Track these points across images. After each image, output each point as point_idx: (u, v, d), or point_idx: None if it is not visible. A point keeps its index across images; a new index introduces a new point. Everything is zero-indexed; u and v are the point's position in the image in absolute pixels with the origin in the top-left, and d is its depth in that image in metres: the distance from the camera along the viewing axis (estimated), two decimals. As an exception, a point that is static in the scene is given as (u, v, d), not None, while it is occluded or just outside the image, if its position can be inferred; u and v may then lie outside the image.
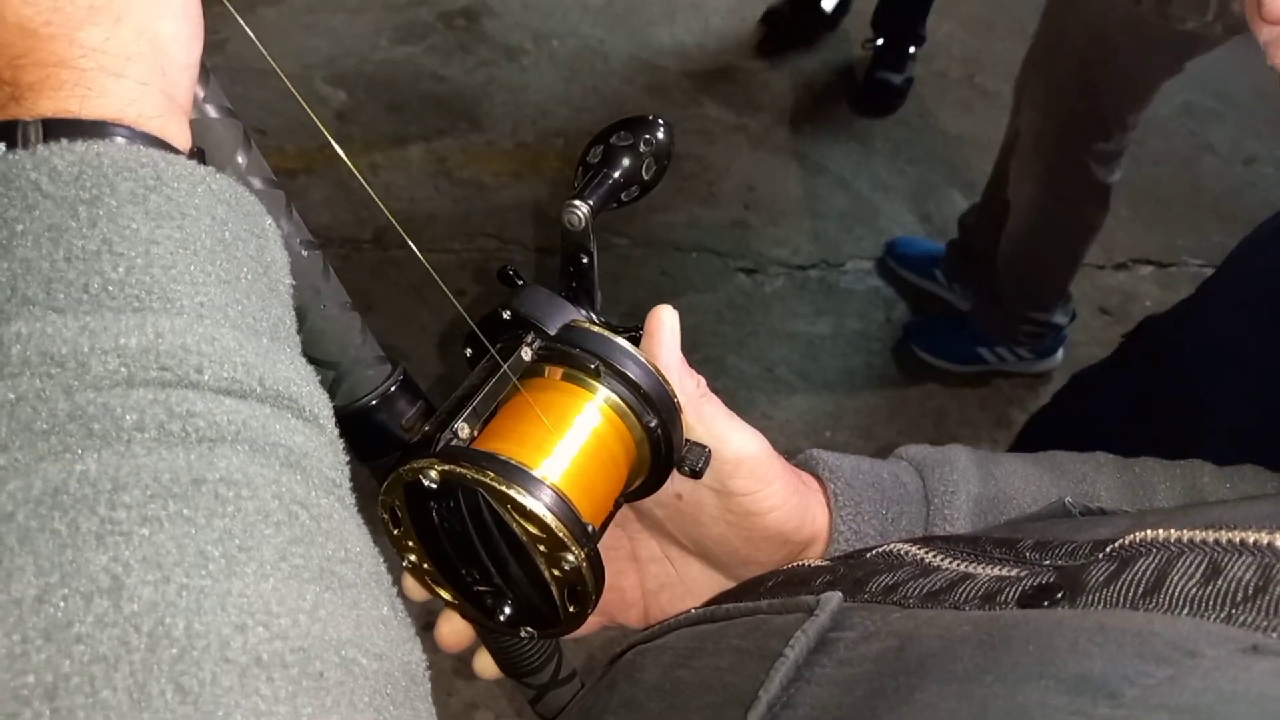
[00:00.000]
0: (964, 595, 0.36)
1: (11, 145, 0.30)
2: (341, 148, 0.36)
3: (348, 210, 2.13)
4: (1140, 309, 2.17)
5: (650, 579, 0.54)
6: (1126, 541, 0.34)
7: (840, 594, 0.36)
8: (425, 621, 0.43)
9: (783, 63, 2.61)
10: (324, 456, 0.32)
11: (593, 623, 0.52)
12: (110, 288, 0.29)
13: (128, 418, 0.27)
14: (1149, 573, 0.32)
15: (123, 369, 0.28)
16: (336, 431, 0.34)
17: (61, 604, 0.24)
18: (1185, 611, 0.30)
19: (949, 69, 2.69)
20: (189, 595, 0.25)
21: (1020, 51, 1.71)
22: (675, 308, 0.45)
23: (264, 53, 0.35)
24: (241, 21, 0.35)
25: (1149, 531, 0.33)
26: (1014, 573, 0.36)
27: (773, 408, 1.97)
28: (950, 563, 0.39)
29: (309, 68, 2.44)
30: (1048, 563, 0.37)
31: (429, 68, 2.51)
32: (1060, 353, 2.03)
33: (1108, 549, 0.35)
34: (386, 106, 2.40)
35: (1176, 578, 0.31)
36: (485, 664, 0.53)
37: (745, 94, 2.55)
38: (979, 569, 0.38)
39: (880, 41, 2.49)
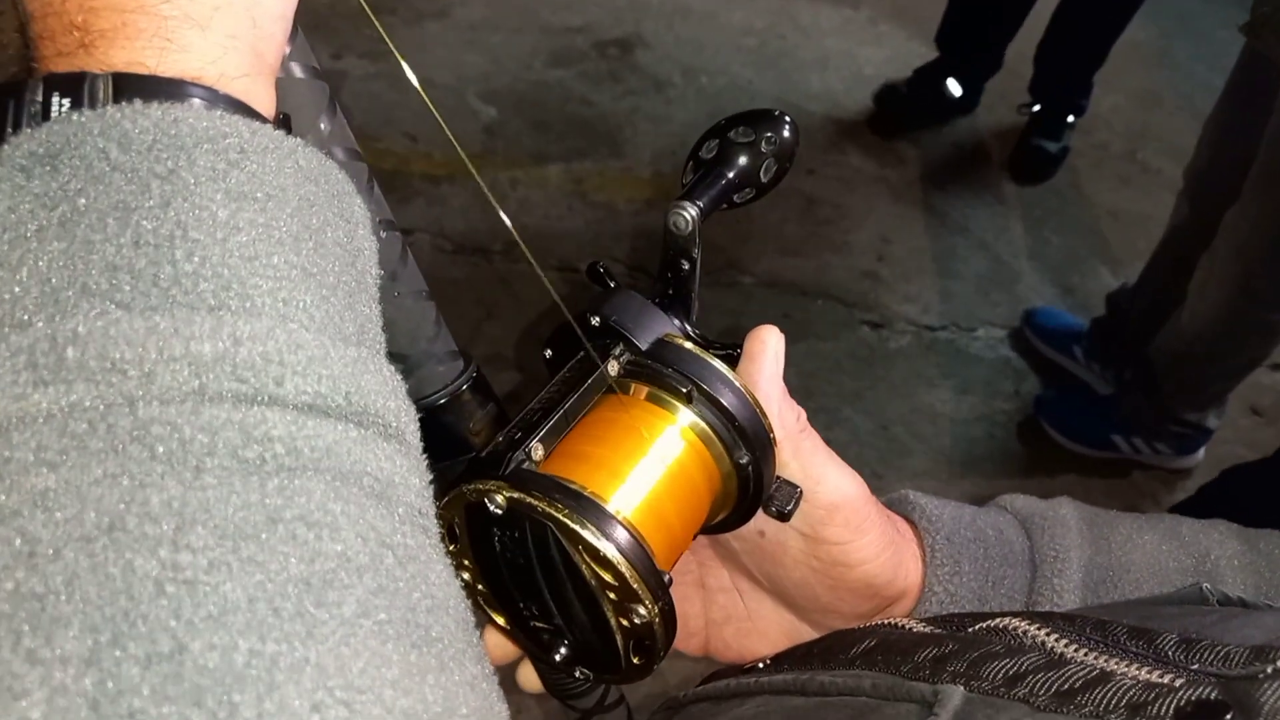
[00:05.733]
0: (1105, 701, 0.31)
1: (77, 103, 0.26)
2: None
3: (483, 220, 2.18)
4: (1296, 413, 2.02)
5: (716, 609, 0.49)
6: None
7: (962, 689, 0.33)
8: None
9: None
10: (411, 483, 0.28)
11: None
12: (183, 280, 0.25)
13: (198, 439, 0.23)
14: None
15: (194, 380, 0.24)
16: (421, 447, 0.30)
17: (113, 669, 0.20)
18: None
19: (1110, 141, 2.58)
20: (259, 664, 0.21)
21: (1189, 130, 1.62)
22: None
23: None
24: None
25: None
26: (1163, 679, 0.32)
27: (884, 467, 1.90)
28: (1081, 653, 0.35)
29: (465, 81, 2.52)
30: (1195, 667, 0.32)
31: (578, 92, 2.56)
32: (1202, 451, 1.90)
33: (1278, 663, 0.30)
34: (532, 125, 2.45)
35: None
36: (529, 677, 0.49)
37: (890, 146, 2.50)
38: (1116, 666, 0.33)
39: (1037, 107, 2.41)
